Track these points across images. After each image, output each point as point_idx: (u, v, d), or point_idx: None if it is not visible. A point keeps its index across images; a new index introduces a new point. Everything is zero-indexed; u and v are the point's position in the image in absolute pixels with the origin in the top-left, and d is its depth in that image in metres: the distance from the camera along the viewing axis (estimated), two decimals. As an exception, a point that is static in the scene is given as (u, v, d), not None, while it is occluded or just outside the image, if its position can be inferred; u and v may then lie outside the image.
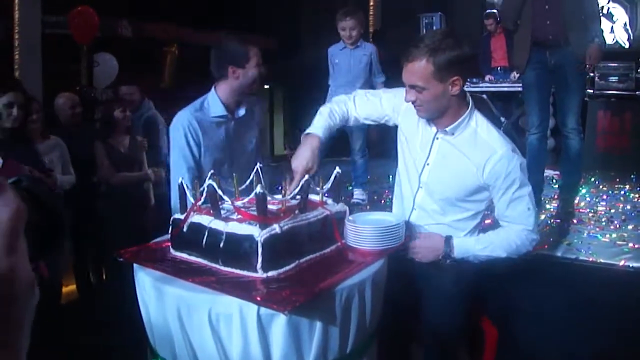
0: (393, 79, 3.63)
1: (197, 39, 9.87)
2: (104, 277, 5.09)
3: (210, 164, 3.12)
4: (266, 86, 12.01)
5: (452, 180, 2.61)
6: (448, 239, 2.61)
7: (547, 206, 5.34)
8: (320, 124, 2.70)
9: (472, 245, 2.63)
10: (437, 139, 2.64)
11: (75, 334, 3.88)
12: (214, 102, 3.25)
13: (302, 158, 2.57)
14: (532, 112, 5.04)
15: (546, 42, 4.73)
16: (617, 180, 6.70)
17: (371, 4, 10.95)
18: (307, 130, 2.69)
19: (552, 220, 4.88)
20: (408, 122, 2.75)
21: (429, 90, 2.46)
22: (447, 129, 2.59)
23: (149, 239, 2.54)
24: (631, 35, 9.38)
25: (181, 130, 3.14)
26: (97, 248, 5.05)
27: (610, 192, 6.05)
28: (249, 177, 2.49)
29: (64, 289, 4.72)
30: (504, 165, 2.51)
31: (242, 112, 3.31)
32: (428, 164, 2.67)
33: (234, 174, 2.48)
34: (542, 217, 4.95)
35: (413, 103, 2.55)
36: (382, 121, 2.87)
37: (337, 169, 2.50)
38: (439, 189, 2.65)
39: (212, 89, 3.27)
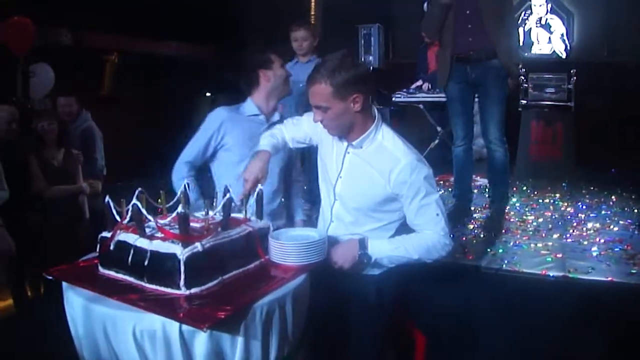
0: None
1: (139, 46, 9.82)
2: (42, 291, 5.04)
3: (238, 159, 3.34)
4: (208, 94, 12.01)
5: (362, 191, 2.77)
6: (362, 240, 2.71)
7: (476, 215, 5.46)
8: (267, 142, 2.93)
9: (385, 246, 2.74)
10: (348, 153, 2.82)
11: (11, 349, 3.85)
12: (249, 105, 3.53)
13: (254, 169, 2.75)
14: (456, 125, 5.15)
15: (468, 57, 4.85)
16: (549, 188, 6.90)
17: (312, 13, 11.02)
18: (256, 149, 2.91)
19: (479, 230, 5.00)
20: (324, 140, 2.93)
21: (332, 109, 2.64)
22: (354, 142, 2.76)
23: (83, 253, 2.57)
24: (568, 46, 9.65)
25: (212, 126, 3.44)
26: (33, 262, 5.01)
27: (540, 200, 6.22)
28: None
29: (1, 304, 4.67)
30: (408, 174, 2.66)
31: (276, 117, 3.55)
32: (341, 177, 2.84)
33: (160, 191, 2.53)
34: (471, 227, 5.09)
35: (321, 122, 2.71)
36: (308, 142, 3.06)
37: (260, 187, 2.59)
38: (351, 200, 2.82)
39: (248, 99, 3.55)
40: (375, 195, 2.74)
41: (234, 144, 3.40)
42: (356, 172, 2.79)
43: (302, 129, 3.04)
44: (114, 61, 9.73)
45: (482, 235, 4.83)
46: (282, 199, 3.55)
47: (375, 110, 2.81)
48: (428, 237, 2.72)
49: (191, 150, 3.45)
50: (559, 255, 4.27)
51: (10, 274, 5.00)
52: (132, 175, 7.03)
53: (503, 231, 4.97)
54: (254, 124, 3.44)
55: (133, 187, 2.45)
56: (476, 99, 5.22)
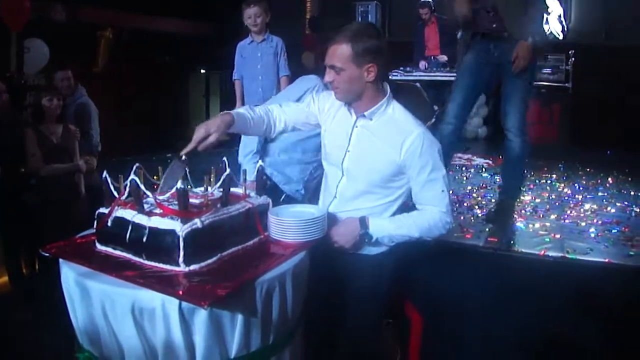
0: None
1: (133, 22, 9.76)
2: (37, 268, 5.02)
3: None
4: (202, 71, 11.96)
5: (372, 164, 2.71)
6: (363, 219, 2.68)
7: (474, 195, 5.45)
8: (237, 110, 2.75)
9: (386, 225, 2.71)
10: (357, 126, 2.76)
11: (5, 326, 3.84)
12: None
13: (208, 123, 2.53)
14: (454, 100, 4.83)
15: (490, 34, 4.60)
16: (545, 169, 6.90)
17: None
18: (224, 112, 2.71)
19: (477, 210, 4.99)
20: (331, 114, 2.86)
21: (346, 72, 2.61)
22: (365, 113, 2.71)
23: (80, 230, 2.54)
24: (565, 27, 9.60)
25: (305, 86, 3.46)
26: (28, 239, 4.98)
27: (537, 181, 6.23)
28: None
29: (-4, 281, 4.65)
30: (420, 144, 2.62)
31: None
32: (349, 151, 2.77)
33: (159, 167, 2.49)
34: (468, 205, 5.08)
35: (331, 83, 2.69)
36: (309, 120, 2.94)
37: (260, 163, 2.56)
38: (360, 174, 2.75)
39: None
40: (384, 168, 2.70)
41: None
42: (365, 145, 2.73)
43: (306, 108, 2.94)
44: (108, 37, 9.67)
45: (479, 216, 4.82)
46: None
47: (387, 86, 2.77)
48: (430, 215, 2.70)
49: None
50: (557, 236, 4.28)
51: (5, 250, 4.99)
52: (126, 151, 7.00)
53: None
54: None
55: (127, 163, 2.42)
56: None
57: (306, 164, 3.45)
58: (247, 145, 3.49)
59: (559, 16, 9.62)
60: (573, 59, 8.26)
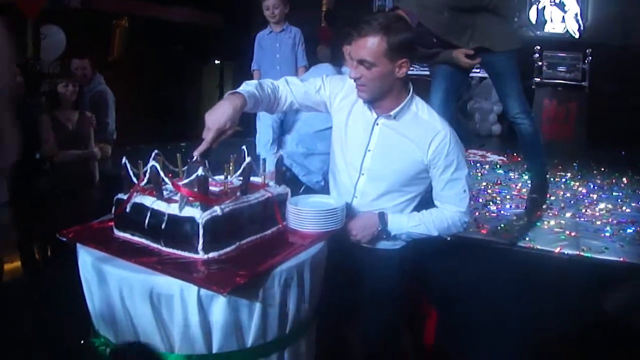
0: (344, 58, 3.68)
1: (148, 11, 9.76)
2: (49, 254, 5.03)
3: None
4: (216, 62, 11.95)
5: (397, 164, 2.64)
6: (382, 215, 2.65)
7: (489, 191, 5.44)
8: (246, 88, 2.50)
9: (405, 222, 2.68)
10: (378, 124, 2.67)
11: (19, 311, 3.85)
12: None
13: (220, 114, 2.31)
14: (432, 104, 4.29)
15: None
16: (560, 167, 6.88)
17: (325, -17, 10.93)
18: (231, 91, 2.48)
19: (492, 206, 4.97)
20: (345, 108, 2.75)
21: (378, 67, 2.47)
22: (391, 113, 2.61)
23: (94, 217, 2.52)
24: (582, 25, 9.55)
25: (322, 72, 3.26)
26: (42, 225, 4.99)
27: (552, 179, 6.17)
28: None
29: (8, 266, 4.66)
30: (447, 144, 2.58)
31: None
32: (369, 150, 2.68)
33: (177, 155, 2.46)
34: (480, 200, 5.06)
35: (357, 80, 2.54)
36: (316, 106, 2.81)
37: (281, 152, 2.55)
38: (384, 175, 2.68)
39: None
40: (409, 168, 2.64)
41: None
42: (390, 145, 2.64)
43: (317, 90, 2.78)
44: (124, 25, 9.67)
45: (495, 211, 4.80)
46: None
47: (410, 82, 2.67)
48: (449, 214, 2.67)
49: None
50: (573, 234, 4.26)
51: (18, 235, 5.00)
52: (140, 140, 7.00)
53: (515, 207, 4.95)
54: None
55: (142, 151, 2.40)
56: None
57: (326, 155, 3.42)
58: (264, 134, 3.48)
59: (576, 15, 9.59)
60: (590, 57, 8.20)
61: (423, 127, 2.61)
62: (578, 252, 3.92)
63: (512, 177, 6.10)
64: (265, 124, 3.53)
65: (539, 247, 4.03)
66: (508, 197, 5.29)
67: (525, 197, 5.11)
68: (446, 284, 3.45)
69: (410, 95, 2.64)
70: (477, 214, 4.68)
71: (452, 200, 2.67)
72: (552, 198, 5.32)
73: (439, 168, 2.61)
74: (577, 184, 6.11)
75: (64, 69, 6.68)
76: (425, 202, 2.78)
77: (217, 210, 2.10)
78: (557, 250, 3.96)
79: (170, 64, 10.15)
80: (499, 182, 5.72)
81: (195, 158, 2.24)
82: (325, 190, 3.01)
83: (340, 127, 2.77)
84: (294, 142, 3.47)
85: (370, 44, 2.45)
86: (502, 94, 4.66)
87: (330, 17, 10.24)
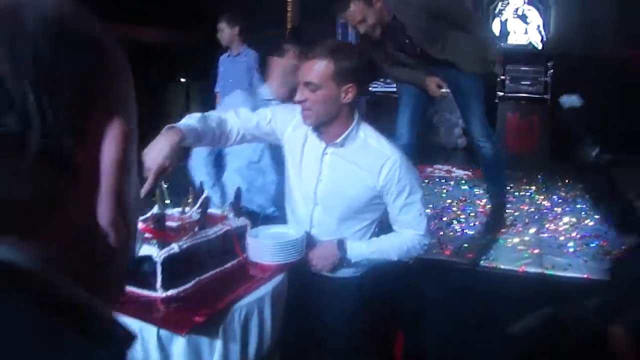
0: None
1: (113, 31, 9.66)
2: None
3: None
4: (182, 80, 11.90)
5: (349, 192, 2.63)
6: (341, 243, 2.62)
7: (454, 208, 5.45)
8: (187, 122, 2.43)
9: (364, 248, 2.66)
10: (327, 153, 2.65)
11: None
12: (264, 89, 3.46)
13: (157, 153, 2.19)
14: (399, 120, 4.66)
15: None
16: (524, 181, 6.91)
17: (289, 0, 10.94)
18: (169, 125, 2.37)
19: (456, 225, 4.99)
20: (299, 138, 2.72)
21: (323, 90, 2.46)
22: (337, 140, 2.60)
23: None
24: (544, 37, 9.66)
25: (239, 101, 3.26)
26: None
27: (516, 193, 6.21)
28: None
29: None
30: (397, 170, 2.56)
31: None
32: (321, 180, 2.66)
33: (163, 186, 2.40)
34: (445, 219, 5.08)
35: (302, 103, 2.52)
36: (267, 136, 2.79)
37: (238, 186, 2.55)
38: (337, 204, 2.66)
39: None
40: (362, 196, 2.62)
41: None
42: (340, 173, 2.63)
43: (267, 118, 2.74)
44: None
45: (459, 230, 4.82)
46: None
47: (356, 108, 2.67)
48: (408, 237, 2.67)
49: None
50: (536, 251, 4.29)
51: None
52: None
53: (479, 224, 4.95)
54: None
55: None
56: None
57: (271, 186, 3.38)
58: (198, 174, 3.38)
59: (538, 26, 9.70)
60: (552, 70, 8.31)
61: (372, 154, 2.59)
62: (541, 270, 3.95)
63: (477, 193, 6.10)
64: (198, 164, 3.41)
65: (502, 266, 4.05)
66: (472, 214, 5.26)
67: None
68: (411, 306, 3.46)
69: (356, 121, 2.62)
70: (441, 233, 4.69)
71: (410, 224, 2.66)
72: (516, 214, 5.35)
73: (392, 194, 2.60)
74: (542, 197, 6.15)
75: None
76: (388, 225, 2.78)
77: (174, 247, 2.09)
78: (520, 269, 3.99)
79: (136, 85, 10.06)
80: (463, 198, 5.74)
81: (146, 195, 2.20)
82: (282, 219, 2.97)
83: (294, 156, 2.74)
84: (230, 178, 3.42)
85: (318, 67, 2.45)
86: (465, 114, 4.67)
87: (296, 34, 10.24)
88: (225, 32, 5.47)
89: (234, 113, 2.70)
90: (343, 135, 2.59)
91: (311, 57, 2.49)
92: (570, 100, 4.43)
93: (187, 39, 10.59)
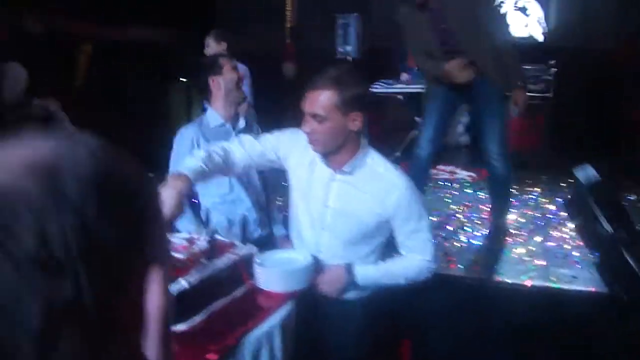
0: (310, 72, 3.64)
1: (106, 34, 9.59)
2: None
3: None
4: (183, 80, 11.87)
5: (357, 219, 2.61)
6: (349, 268, 2.61)
7: (458, 215, 5.43)
8: (192, 165, 2.48)
9: (372, 272, 2.66)
10: (335, 180, 2.64)
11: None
12: (212, 115, 3.35)
13: (168, 206, 2.22)
14: (426, 124, 4.78)
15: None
16: (527, 182, 6.86)
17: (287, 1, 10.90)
18: (173, 172, 2.49)
19: (462, 235, 4.97)
20: (301, 163, 2.71)
21: (329, 121, 2.45)
22: (345, 168, 2.59)
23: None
24: (545, 29, 9.62)
25: (184, 150, 3.13)
26: None
27: (520, 196, 6.16)
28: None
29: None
30: (405, 198, 2.56)
31: (242, 123, 3.38)
32: (329, 207, 2.65)
33: None
34: (450, 227, 5.07)
35: (309, 134, 2.52)
36: (272, 163, 2.81)
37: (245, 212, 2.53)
38: (345, 229, 2.65)
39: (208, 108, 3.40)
40: (370, 221, 2.61)
41: None
42: (349, 200, 2.62)
43: (273, 143, 2.76)
44: (88, 52, 9.50)
45: (464, 240, 4.81)
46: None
47: (362, 134, 2.65)
48: (416, 262, 2.67)
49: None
50: (542, 263, 4.27)
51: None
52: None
53: (484, 233, 4.96)
54: (221, 135, 3.24)
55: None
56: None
57: (250, 213, 3.30)
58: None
59: (538, 19, 9.67)
60: (554, 68, 8.29)
61: (380, 182, 2.58)
62: (547, 284, 3.94)
63: (482, 197, 6.08)
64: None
65: (507, 280, 4.05)
66: (478, 221, 5.26)
67: None
68: (419, 323, 3.45)
69: (362, 147, 2.62)
70: (446, 244, 4.66)
71: (417, 250, 2.66)
72: (522, 220, 5.33)
73: (400, 221, 2.60)
74: (546, 201, 6.12)
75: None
76: (392, 243, 2.78)
77: (183, 283, 2.08)
78: (526, 282, 3.99)
79: (133, 88, 10.01)
80: (468, 204, 5.71)
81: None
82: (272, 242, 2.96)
83: (300, 182, 2.73)
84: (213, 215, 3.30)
85: (322, 97, 2.44)
86: (484, 130, 4.63)
87: (296, 34, 10.21)
88: (212, 47, 5.46)
89: (237, 143, 2.73)
90: (350, 162, 2.59)
91: (315, 87, 2.47)
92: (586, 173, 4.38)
93: (187, 39, 10.57)
